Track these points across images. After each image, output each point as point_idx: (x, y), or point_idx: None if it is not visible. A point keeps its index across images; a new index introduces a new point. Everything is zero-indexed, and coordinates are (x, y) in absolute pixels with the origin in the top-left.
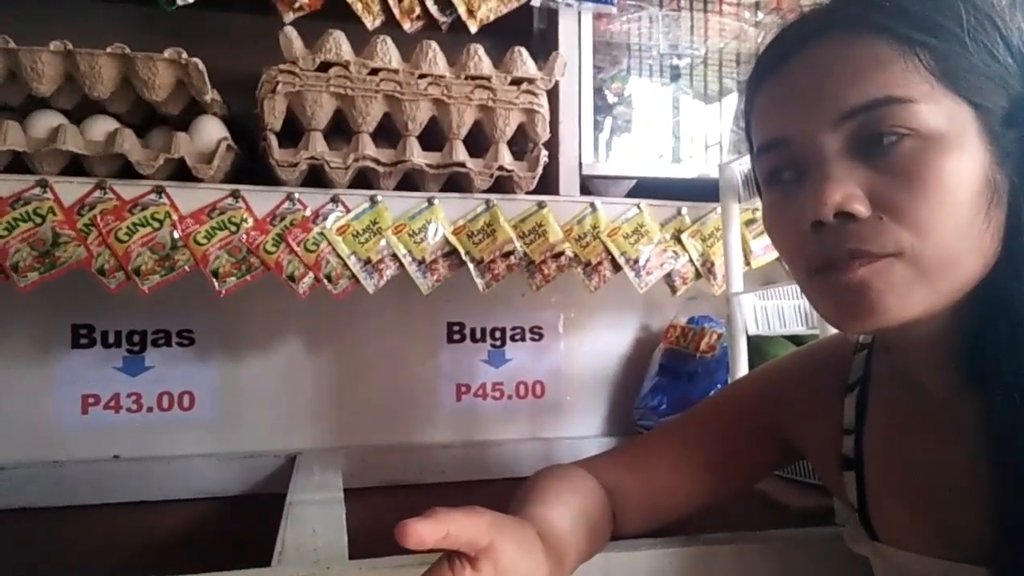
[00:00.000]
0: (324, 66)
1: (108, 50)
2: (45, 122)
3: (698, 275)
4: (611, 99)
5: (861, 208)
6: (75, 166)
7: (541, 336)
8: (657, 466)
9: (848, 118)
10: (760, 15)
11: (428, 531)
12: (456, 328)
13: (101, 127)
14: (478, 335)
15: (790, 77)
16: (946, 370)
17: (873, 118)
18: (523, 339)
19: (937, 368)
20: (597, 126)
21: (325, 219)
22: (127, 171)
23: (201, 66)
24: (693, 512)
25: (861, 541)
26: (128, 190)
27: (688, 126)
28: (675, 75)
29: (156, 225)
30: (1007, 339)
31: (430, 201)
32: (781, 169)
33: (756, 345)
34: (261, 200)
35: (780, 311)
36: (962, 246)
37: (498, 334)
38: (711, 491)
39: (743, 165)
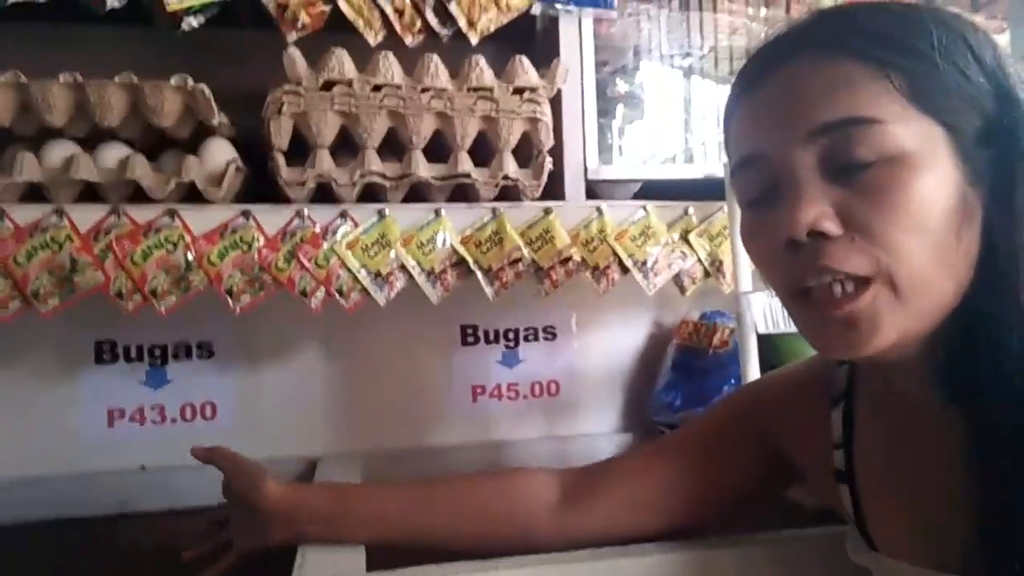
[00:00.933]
0: (328, 85)
1: (116, 80)
2: (59, 152)
3: (707, 274)
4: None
5: (832, 227)
6: (89, 192)
7: (554, 336)
8: (631, 473)
9: (818, 134)
10: (761, 11)
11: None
12: (469, 331)
13: (113, 154)
14: (491, 337)
15: (764, 96)
16: (928, 387)
17: (843, 137)
18: (536, 339)
19: (919, 385)
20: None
21: (334, 234)
22: (140, 195)
23: (207, 92)
24: (672, 523)
25: (862, 552)
26: (142, 214)
27: (689, 128)
28: (686, 74)
29: (170, 247)
30: (985, 358)
31: (437, 212)
32: (756, 187)
33: (771, 340)
34: (271, 218)
35: None
36: (935, 265)
37: (511, 335)
38: (691, 503)
39: None
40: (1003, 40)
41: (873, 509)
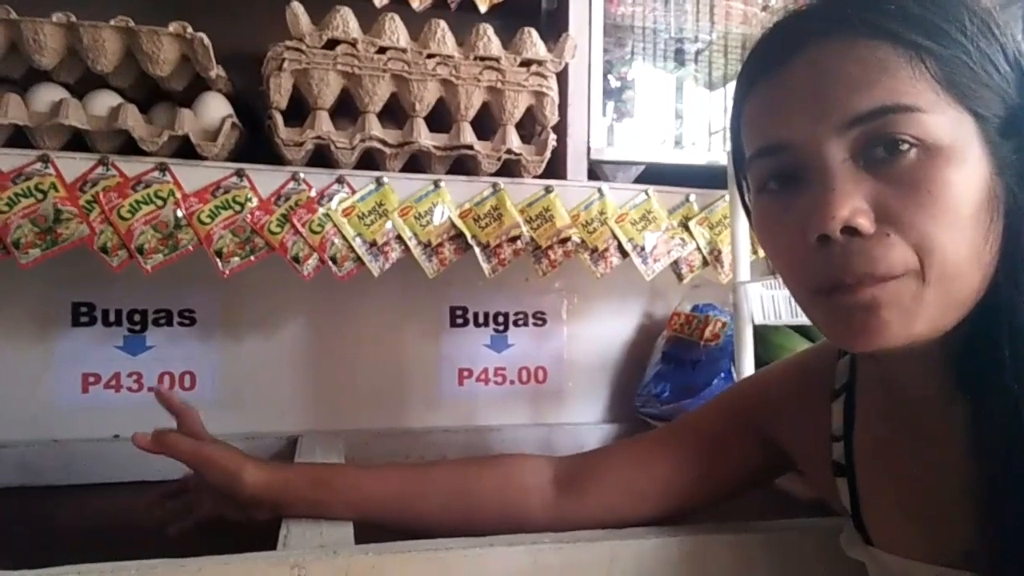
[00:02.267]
0: (331, 44)
1: (112, 23)
2: (47, 96)
3: (705, 263)
4: (614, 84)
5: (866, 223)
6: (77, 141)
7: (544, 322)
8: (627, 462)
9: (855, 124)
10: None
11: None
12: (459, 312)
13: (104, 102)
14: (481, 320)
15: (790, 79)
16: (934, 377)
17: (880, 126)
18: (526, 324)
19: (925, 375)
20: (609, 105)
21: (330, 200)
22: (130, 147)
23: (206, 41)
24: (666, 512)
25: (856, 546)
26: (131, 167)
27: (694, 112)
28: (680, 60)
29: (159, 203)
30: (1006, 346)
31: (436, 184)
32: (779, 175)
33: (762, 335)
34: (266, 180)
35: (788, 300)
36: (966, 260)
37: (501, 319)
38: (685, 493)
39: None
40: None
41: (871, 503)
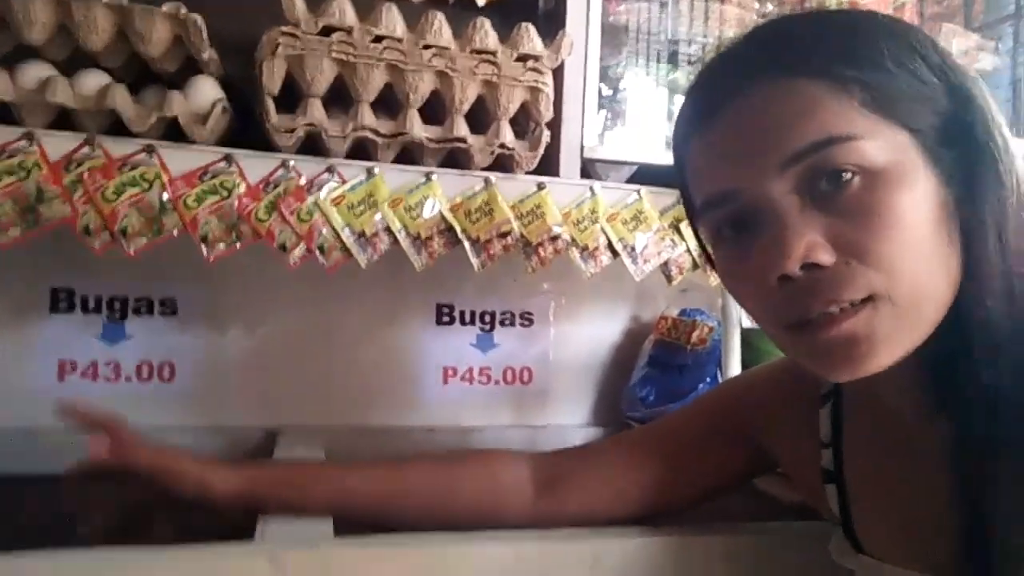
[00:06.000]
0: (327, 31)
1: (104, 0)
2: (34, 72)
3: (695, 265)
4: (609, 88)
5: (826, 256)
6: (64, 120)
7: (531, 322)
8: (607, 462)
9: (792, 163)
10: (768, 5)
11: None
12: (445, 310)
13: (93, 81)
14: (467, 318)
15: (723, 129)
16: (913, 394)
17: (819, 159)
18: (513, 324)
19: (905, 392)
20: (603, 104)
21: (320, 189)
22: (118, 128)
23: (200, 22)
24: (645, 512)
25: (847, 554)
26: (118, 148)
27: None
28: (675, 62)
29: (145, 186)
30: (973, 361)
31: (428, 176)
32: (730, 223)
33: (748, 340)
34: (255, 166)
35: None
36: (931, 276)
37: (488, 318)
38: (664, 493)
39: None
40: (995, 61)
41: (860, 510)
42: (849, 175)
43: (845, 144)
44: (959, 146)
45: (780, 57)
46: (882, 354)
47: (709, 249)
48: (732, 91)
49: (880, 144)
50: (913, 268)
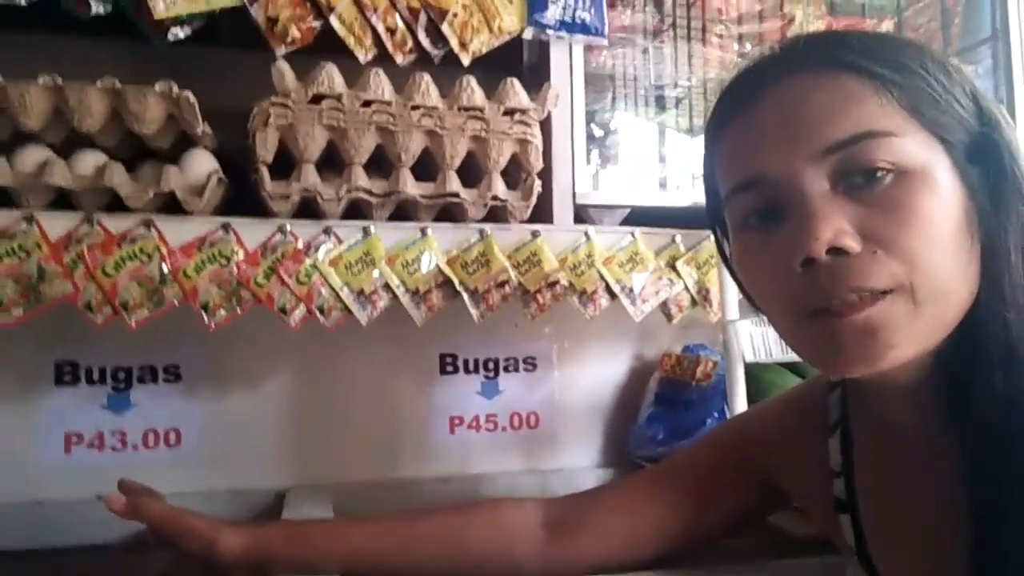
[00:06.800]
0: (316, 99)
1: (98, 84)
2: (32, 157)
3: (694, 303)
4: (598, 130)
5: (853, 243)
6: (62, 201)
7: (535, 367)
8: (618, 505)
9: (830, 152)
10: (747, 45)
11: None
12: (449, 360)
13: (89, 161)
14: (471, 367)
15: (761, 115)
16: (924, 411)
17: (856, 152)
18: (516, 370)
19: (916, 409)
20: (593, 151)
21: (317, 251)
22: (116, 205)
23: (192, 98)
24: (660, 554)
25: None
26: (116, 224)
27: (676, 156)
28: (661, 106)
29: (145, 259)
30: (987, 374)
31: (423, 231)
32: (758, 210)
33: (753, 374)
34: (252, 232)
35: (778, 338)
36: (951, 277)
37: (491, 365)
38: (679, 534)
39: None
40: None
41: (875, 538)
42: (883, 172)
43: (884, 139)
44: (985, 165)
45: (825, 52)
46: (898, 348)
47: (727, 246)
48: (772, 81)
49: (914, 145)
50: (936, 265)
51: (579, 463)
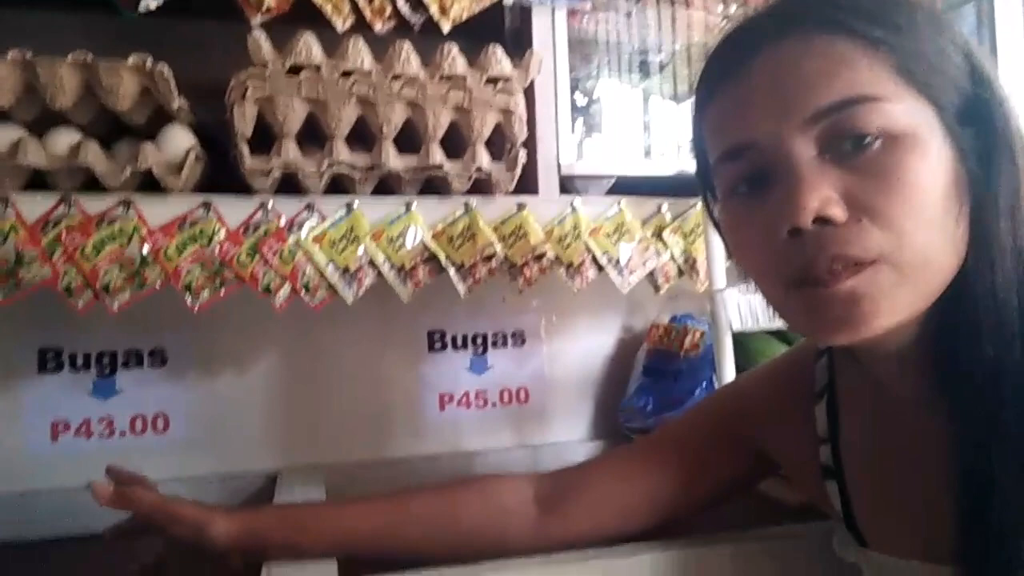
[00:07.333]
0: (294, 69)
1: (70, 59)
2: (4, 136)
3: (681, 273)
4: (581, 102)
5: (839, 212)
6: (37, 181)
7: (523, 341)
8: (609, 478)
9: (819, 119)
10: (732, 7)
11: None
12: (437, 336)
13: (64, 139)
14: (459, 343)
15: (750, 80)
16: (914, 377)
17: (844, 118)
18: (505, 345)
19: (905, 375)
20: (577, 119)
21: (300, 228)
22: (92, 184)
23: (167, 72)
24: (652, 525)
25: (850, 548)
26: (94, 204)
27: (661, 123)
28: (646, 72)
29: (124, 240)
30: (976, 339)
31: (408, 206)
32: (746, 177)
33: (740, 342)
34: (233, 210)
35: (765, 305)
36: (938, 245)
37: (480, 341)
38: (670, 504)
39: None
40: None
41: (862, 504)
42: (871, 138)
43: (872, 104)
44: (976, 127)
45: (816, 13)
46: (882, 315)
47: (716, 211)
48: (761, 44)
49: (904, 109)
50: (923, 234)
51: (570, 437)
